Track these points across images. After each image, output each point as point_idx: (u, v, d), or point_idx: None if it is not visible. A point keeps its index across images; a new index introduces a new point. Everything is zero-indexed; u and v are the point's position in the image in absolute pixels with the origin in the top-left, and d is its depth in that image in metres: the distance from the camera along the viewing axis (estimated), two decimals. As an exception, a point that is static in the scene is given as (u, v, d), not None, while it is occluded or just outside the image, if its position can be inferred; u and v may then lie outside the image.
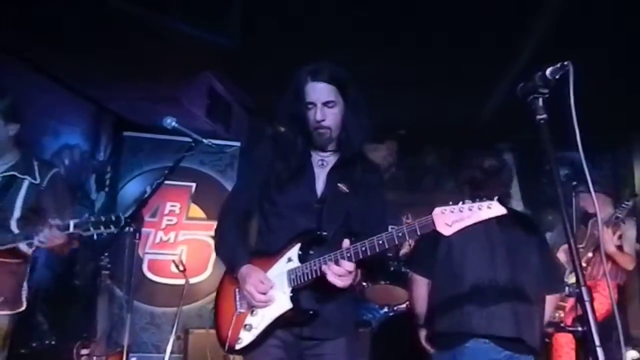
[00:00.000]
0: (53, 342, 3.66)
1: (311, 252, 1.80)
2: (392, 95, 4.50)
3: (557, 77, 1.19)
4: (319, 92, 1.83)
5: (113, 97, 4.26)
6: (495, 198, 1.54)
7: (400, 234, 1.63)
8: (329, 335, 1.82)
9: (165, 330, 4.15)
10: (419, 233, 1.61)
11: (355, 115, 1.88)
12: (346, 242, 1.72)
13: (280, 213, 1.88)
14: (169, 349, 3.63)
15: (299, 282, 1.76)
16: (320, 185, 1.91)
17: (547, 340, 2.98)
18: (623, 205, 3.57)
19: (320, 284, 1.76)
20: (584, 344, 0.97)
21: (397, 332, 3.53)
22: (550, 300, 2.39)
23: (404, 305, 4.01)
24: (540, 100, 1.23)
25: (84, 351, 3.40)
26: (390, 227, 1.69)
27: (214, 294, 1.99)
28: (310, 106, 1.84)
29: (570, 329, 1.06)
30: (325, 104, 1.83)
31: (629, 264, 3.60)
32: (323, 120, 1.83)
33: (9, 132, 2.41)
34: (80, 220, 2.15)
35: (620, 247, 3.61)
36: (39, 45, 3.20)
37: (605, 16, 3.11)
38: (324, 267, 1.70)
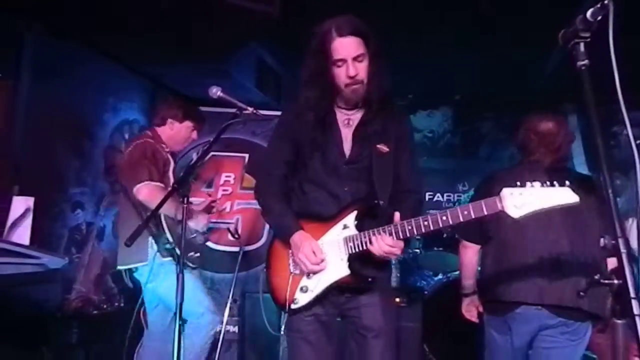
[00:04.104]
0: (122, 305, 3.95)
1: (368, 220, 1.82)
2: (447, 59, 4.35)
3: (598, 18, 1.10)
4: (348, 47, 1.77)
5: (167, 73, 4.41)
6: (567, 184, 1.47)
7: (465, 212, 1.61)
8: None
9: (226, 295, 4.33)
10: (485, 212, 1.58)
11: (378, 66, 1.83)
12: (397, 216, 1.72)
13: (317, 176, 1.90)
14: (226, 311, 3.82)
15: (356, 249, 1.79)
16: (347, 146, 1.90)
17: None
18: None
19: None
20: (619, 297, 0.93)
21: (450, 299, 3.49)
22: (611, 262, 2.22)
23: (457, 273, 3.96)
24: (582, 45, 1.15)
25: (148, 313, 3.65)
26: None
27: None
28: (340, 63, 1.79)
29: (606, 282, 1.00)
30: (356, 58, 1.78)
31: None
32: (357, 75, 1.79)
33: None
34: None
35: None
36: (98, 28, 3.36)
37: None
38: (373, 238, 1.72)
